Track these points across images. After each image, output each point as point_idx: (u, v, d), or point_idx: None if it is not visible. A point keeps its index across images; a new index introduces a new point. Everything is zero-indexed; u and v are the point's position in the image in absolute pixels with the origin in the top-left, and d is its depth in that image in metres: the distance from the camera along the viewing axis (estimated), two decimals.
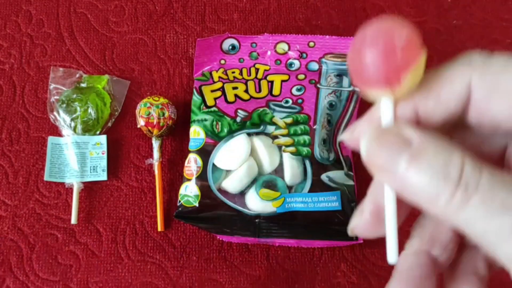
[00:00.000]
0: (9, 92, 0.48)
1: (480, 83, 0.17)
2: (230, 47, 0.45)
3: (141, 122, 0.45)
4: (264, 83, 0.44)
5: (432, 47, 0.51)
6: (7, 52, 0.50)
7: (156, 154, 0.45)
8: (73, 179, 0.45)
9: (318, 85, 0.43)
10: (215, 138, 0.42)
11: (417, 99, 0.18)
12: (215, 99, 0.43)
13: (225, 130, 0.42)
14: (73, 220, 0.43)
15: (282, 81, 0.44)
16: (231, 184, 0.41)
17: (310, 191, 0.40)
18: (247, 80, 0.44)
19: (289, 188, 0.41)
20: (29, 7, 0.52)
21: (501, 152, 0.20)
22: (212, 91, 0.44)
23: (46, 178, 0.45)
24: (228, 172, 0.41)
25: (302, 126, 0.42)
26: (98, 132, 0.47)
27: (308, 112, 0.42)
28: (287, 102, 0.43)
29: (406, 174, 0.16)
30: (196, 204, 0.40)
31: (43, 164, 0.46)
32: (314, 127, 0.42)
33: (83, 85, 0.48)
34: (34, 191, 0.45)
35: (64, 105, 0.46)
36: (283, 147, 0.41)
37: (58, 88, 0.47)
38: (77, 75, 0.48)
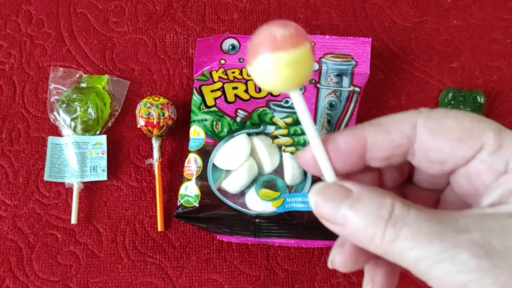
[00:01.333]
0: (9, 92, 0.48)
1: (425, 124, 0.20)
2: (230, 47, 0.45)
3: (141, 122, 0.45)
4: None
5: (432, 47, 0.51)
6: (7, 52, 0.50)
7: (156, 154, 0.45)
8: (73, 179, 0.45)
9: (318, 85, 0.43)
10: (215, 138, 0.42)
11: (368, 133, 0.21)
12: (215, 99, 0.43)
13: (225, 130, 0.42)
14: (73, 220, 0.43)
15: None
16: (231, 184, 0.41)
17: (310, 189, 0.42)
18: (247, 80, 0.44)
19: (289, 188, 0.41)
20: (29, 7, 0.52)
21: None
22: (212, 91, 0.44)
23: (46, 178, 0.45)
24: (228, 172, 0.41)
25: (302, 126, 0.43)
26: (98, 132, 0.47)
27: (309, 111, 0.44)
28: (287, 102, 0.43)
29: (347, 219, 0.19)
30: (196, 204, 0.40)
31: (43, 164, 0.46)
32: (314, 127, 0.43)
33: (83, 85, 0.48)
34: (34, 191, 0.45)
35: (64, 105, 0.46)
36: (283, 147, 0.41)
37: (58, 88, 0.47)
38: (77, 75, 0.48)
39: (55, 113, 0.47)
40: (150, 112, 0.44)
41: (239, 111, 0.43)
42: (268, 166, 0.41)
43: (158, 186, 0.44)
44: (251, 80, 0.44)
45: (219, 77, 0.44)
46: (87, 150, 0.46)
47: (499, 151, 0.19)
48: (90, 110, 0.46)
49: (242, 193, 0.41)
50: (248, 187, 0.41)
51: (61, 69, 0.48)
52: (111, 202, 0.45)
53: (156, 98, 0.45)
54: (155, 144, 0.45)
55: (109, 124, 0.47)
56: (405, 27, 0.52)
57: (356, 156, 0.21)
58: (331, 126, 0.43)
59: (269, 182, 0.40)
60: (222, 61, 0.45)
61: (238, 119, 0.42)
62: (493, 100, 0.49)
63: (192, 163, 0.41)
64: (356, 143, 0.21)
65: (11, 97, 0.48)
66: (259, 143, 0.41)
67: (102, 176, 0.45)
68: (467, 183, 0.20)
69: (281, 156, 0.41)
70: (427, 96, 0.49)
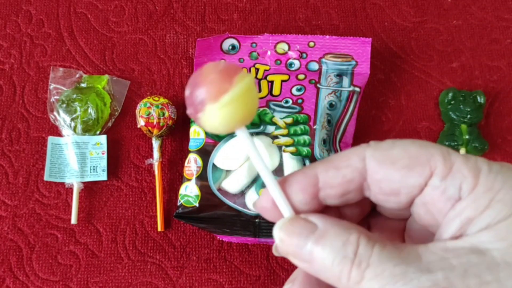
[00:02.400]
0: (9, 92, 0.48)
1: (373, 156, 0.20)
2: (230, 47, 0.45)
3: (141, 122, 0.45)
4: (264, 83, 0.44)
5: (432, 47, 0.51)
6: (7, 52, 0.50)
7: (156, 154, 0.45)
8: (73, 179, 0.45)
9: (318, 85, 0.43)
10: (215, 138, 0.42)
11: (318, 171, 0.20)
12: None
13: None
14: (73, 220, 0.43)
15: (282, 81, 0.44)
16: (231, 184, 0.40)
17: None
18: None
19: None
20: (29, 7, 0.52)
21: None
22: None
23: (46, 178, 0.45)
24: (228, 172, 0.41)
25: (302, 126, 0.42)
26: (98, 132, 0.47)
27: (308, 112, 0.42)
28: (287, 102, 0.43)
29: (313, 256, 0.19)
30: (196, 204, 0.40)
31: (43, 164, 0.46)
32: (314, 127, 0.42)
33: (83, 85, 0.48)
34: (34, 191, 0.45)
35: (64, 105, 0.46)
36: (283, 147, 0.41)
37: (58, 88, 0.47)
38: (77, 75, 0.48)
39: (55, 113, 0.47)
40: (150, 112, 0.44)
41: None
42: (268, 166, 0.41)
43: (158, 186, 0.44)
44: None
45: None
46: (87, 150, 0.46)
47: (449, 175, 0.18)
48: (90, 110, 0.46)
49: (242, 193, 0.41)
50: (248, 187, 0.41)
51: (61, 69, 0.48)
52: (111, 202, 0.45)
53: (156, 98, 0.45)
54: (155, 144, 0.45)
55: (109, 124, 0.47)
56: (405, 27, 0.52)
57: (310, 196, 0.21)
58: (331, 126, 0.43)
59: None
60: (222, 61, 0.46)
61: None
62: (493, 100, 0.49)
63: (192, 163, 0.41)
64: (308, 183, 0.20)
65: (11, 97, 0.48)
66: (259, 143, 0.41)
67: (102, 176, 0.45)
68: (426, 213, 0.20)
69: (281, 156, 0.41)
70: (427, 96, 0.49)
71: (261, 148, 0.41)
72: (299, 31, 0.51)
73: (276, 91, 0.43)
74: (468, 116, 0.46)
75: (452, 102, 0.47)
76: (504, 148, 0.48)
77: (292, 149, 0.41)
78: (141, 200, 0.45)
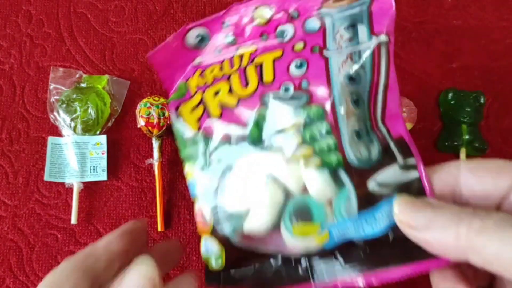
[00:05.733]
0: (9, 92, 0.48)
1: (467, 166, 0.24)
2: (199, 39, 0.33)
3: (141, 122, 0.45)
4: (250, 71, 0.30)
5: (432, 47, 0.51)
6: (7, 52, 0.50)
7: (156, 154, 0.45)
8: (73, 179, 0.45)
9: (325, 52, 0.29)
10: (215, 173, 0.31)
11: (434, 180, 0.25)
12: (199, 119, 0.31)
13: (223, 159, 0.30)
14: (73, 220, 0.43)
15: (274, 59, 0.30)
16: (255, 226, 0.29)
17: (359, 210, 0.27)
18: (230, 75, 0.31)
19: (328, 203, 0.28)
20: (29, 7, 0.52)
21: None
22: (193, 109, 0.31)
23: (46, 178, 0.45)
24: (247, 211, 0.29)
25: (319, 124, 0.28)
26: (98, 132, 0.47)
27: (320, 99, 0.28)
28: (287, 90, 0.29)
29: (432, 219, 0.22)
30: (222, 264, 0.29)
31: (43, 164, 0.45)
32: (334, 120, 0.28)
33: (83, 85, 0.48)
34: (34, 191, 0.45)
35: (64, 105, 0.46)
36: (303, 161, 0.28)
37: (58, 88, 0.47)
38: (77, 75, 0.48)
39: (55, 113, 0.47)
40: (150, 112, 0.44)
41: (231, 126, 0.30)
42: (292, 186, 0.29)
43: (158, 186, 0.44)
44: (236, 70, 0.31)
45: (197, 86, 0.32)
46: (87, 150, 0.46)
47: None
48: (90, 110, 0.46)
49: (275, 229, 0.29)
50: (278, 218, 0.29)
51: (61, 69, 0.48)
52: (111, 202, 0.45)
53: (156, 98, 0.45)
54: (155, 144, 0.45)
55: (109, 124, 0.47)
56: (405, 27, 0.52)
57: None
58: (363, 107, 0.28)
59: (300, 210, 0.28)
60: (197, 60, 0.32)
61: (234, 140, 0.30)
62: (493, 100, 0.49)
63: (200, 217, 0.31)
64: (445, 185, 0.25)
65: (11, 97, 0.48)
66: (272, 162, 0.29)
67: (102, 176, 0.45)
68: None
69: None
70: (427, 96, 0.49)
71: (276, 167, 0.29)
72: None
73: (268, 75, 0.29)
74: (468, 116, 0.46)
75: (452, 102, 0.47)
76: (504, 149, 0.48)
77: (315, 161, 0.28)
78: (141, 200, 0.45)
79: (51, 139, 0.46)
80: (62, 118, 0.46)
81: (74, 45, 0.50)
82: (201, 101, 0.31)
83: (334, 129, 0.28)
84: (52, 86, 0.47)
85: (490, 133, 0.48)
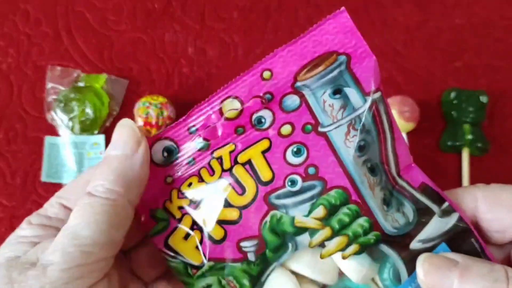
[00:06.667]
0: (6, 91, 0.48)
1: (485, 197, 0.24)
2: (166, 154, 0.27)
3: (139, 122, 0.44)
4: (240, 173, 0.26)
5: (435, 46, 0.50)
6: (4, 51, 0.49)
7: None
8: (71, 180, 0.44)
9: (320, 129, 0.26)
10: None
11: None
12: (197, 248, 0.26)
13: (246, 283, 0.26)
14: None
15: (263, 152, 0.26)
16: None
17: (410, 273, 0.25)
18: (217, 182, 0.26)
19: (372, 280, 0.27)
20: (26, 6, 0.51)
21: None
22: (186, 238, 0.26)
23: (44, 178, 0.44)
24: None
25: (345, 209, 0.26)
26: (96, 132, 0.46)
27: (337, 182, 0.26)
28: (294, 183, 0.26)
29: (460, 286, 0.20)
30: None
31: (40, 165, 0.45)
32: (362, 198, 0.26)
33: (81, 84, 0.47)
34: (31, 192, 0.45)
35: (62, 105, 0.46)
36: (340, 254, 0.25)
37: (55, 88, 0.47)
38: (75, 74, 0.47)
39: (52, 112, 0.46)
40: (148, 111, 0.44)
41: (243, 243, 0.26)
42: (331, 280, 0.27)
43: None
44: (218, 179, 0.26)
45: (179, 207, 0.27)
46: (84, 150, 0.45)
47: None
48: (88, 109, 0.46)
49: None
50: None
51: (58, 68, 0.48)
52: None
53: (155, 97, 0.45)
54: None
55: (107, 123, 0.47)
56: (408, 26, 0.51)
57: None
58: (378, 173, 0.26)
59: None
60: (168, 179, 0.27)
61: (251, 256, 0.26)
62: (496, 99, 0.49)
63: None
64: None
65: (8, 97, 0.48)
66: (302, 268, 0.26)
67: None
68: None
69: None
70: (430, 96, 0.49)
71: (308, 274, 0.26)
72: (301, 29, 0.50)
73: (264, 173, 0.26)
74: (471, 116, 0.46)
75: (455, 101, 0.47)
76: (507, 148, 0.47)
77: (353, 248, 0.26)
78: None
79: (48, 139, 0.45)
80: (59, 118, 0.46)
81: (72, 44, 0.50)
82: (193, 225, 0.26)
83: (363, 208, 0.26)
84: (49, 85, 0.47)
85: (493, 133, 0.47)
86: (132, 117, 0.47)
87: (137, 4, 0.51)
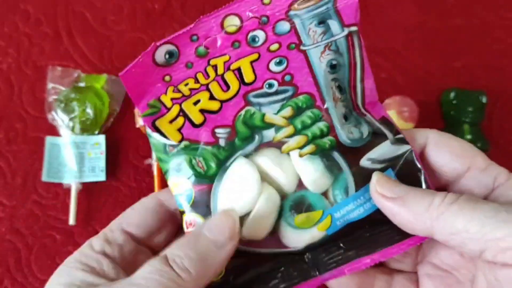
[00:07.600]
0: (6, 91, 0.48)
1: (434, 138, 0.28)
2: (167, 56, 0.31)
3: (140, 122, 0.44)
4: (229, 76, 0.31)
5: (434, 46, 0.51)
6: (5, 51, 0.49)
7: (155, 154, 0.45)
8: (72, 180, 0.44)
9: (302, 47, 0.30)
10: (204, 181, 0.30)
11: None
12: (179, 129, 0.31)
13: (212, 164, 0.30)
14: (72, 221, 0.43)
15: (252, 61, 0.31)
16: (255, 231, 0.29)
17: (357, 189, 0.29)
18: (209, 83, 0.31)
19: (326, 196, 0.30)
20: (26, 6, 0.51)
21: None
22: (171, 121, 0.31)
23: (44, 178, 0.44)
24: (243, 217, 0.29)
25: (309, 112, 0.30)
26: (96, 132, 0.46)
27: (307, 89, 0.30)
28: (271, 86, 0.30)
29: (407, 191, 0.25)
30: (221, 274, 0.28)
31: (41, 165, 0.45)
32: (325, 106, 0.30)
33: (81, 84, 0.47)
34: (32, 192, 0.45)
35: (62, 105, 0.46)
36: (298, 152, 0.30)
37: (56, 88, 0.47)
38: (75, 75, 0.48)
39: (53, 112, 0.46)
40: None
41: (217, 130, 0.30)
42: (289, 184, 0.30)
43: (157, 186, 0.44)
44: (213, 80, 0.31)
45: (172, 98, 0.31)
46: (85, 150, 0.45)
47: (486, 170, 0.25)
48: (88, 109, 0.46)
49: (273, 232, 0.30)
50: (277, 220, 0.30)
51: (59, 68, 0.48)
52: (110, 203, 0.45)
53: None
54: None
55: (108, 124, 0.47)
56: (408, 26, 0.51)
57: None
58: (344, 92, 0.31)
59: (298, 204, 0.30)
60: (167, 78, 0.32)
61: (222, 142, 0.30)
62: (495, 100, 0.49)
63: (192, 228, 0.30)
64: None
65: (8, 97, 0.48)
66: (265, 160, 0.30)
67: (101, 176, 0.45)
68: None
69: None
70: (429, 96, 0.49)
71: (270, 166, 0.30)
72: None
73: (248, 76, 0.30)
74: (470, 116, 0.46)
75: (454, 102, 0.47)
76: (506, 148, 0.47)
77: (310, 148, 0.30)
78: None
79: (49, 139, 0.46)
80: (60, 118, 0.46)
81: (72, 44, 0.50)
82: (180, 112, 0.31)
83: (325, 114, 0.30)
84: (50, 85, 0.47)
85: (492, 133, 0.47)
86: (132, 117, 0.47)
87: (137, 4, 0.52)
